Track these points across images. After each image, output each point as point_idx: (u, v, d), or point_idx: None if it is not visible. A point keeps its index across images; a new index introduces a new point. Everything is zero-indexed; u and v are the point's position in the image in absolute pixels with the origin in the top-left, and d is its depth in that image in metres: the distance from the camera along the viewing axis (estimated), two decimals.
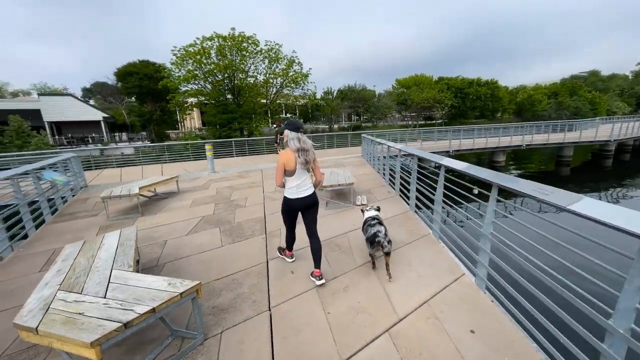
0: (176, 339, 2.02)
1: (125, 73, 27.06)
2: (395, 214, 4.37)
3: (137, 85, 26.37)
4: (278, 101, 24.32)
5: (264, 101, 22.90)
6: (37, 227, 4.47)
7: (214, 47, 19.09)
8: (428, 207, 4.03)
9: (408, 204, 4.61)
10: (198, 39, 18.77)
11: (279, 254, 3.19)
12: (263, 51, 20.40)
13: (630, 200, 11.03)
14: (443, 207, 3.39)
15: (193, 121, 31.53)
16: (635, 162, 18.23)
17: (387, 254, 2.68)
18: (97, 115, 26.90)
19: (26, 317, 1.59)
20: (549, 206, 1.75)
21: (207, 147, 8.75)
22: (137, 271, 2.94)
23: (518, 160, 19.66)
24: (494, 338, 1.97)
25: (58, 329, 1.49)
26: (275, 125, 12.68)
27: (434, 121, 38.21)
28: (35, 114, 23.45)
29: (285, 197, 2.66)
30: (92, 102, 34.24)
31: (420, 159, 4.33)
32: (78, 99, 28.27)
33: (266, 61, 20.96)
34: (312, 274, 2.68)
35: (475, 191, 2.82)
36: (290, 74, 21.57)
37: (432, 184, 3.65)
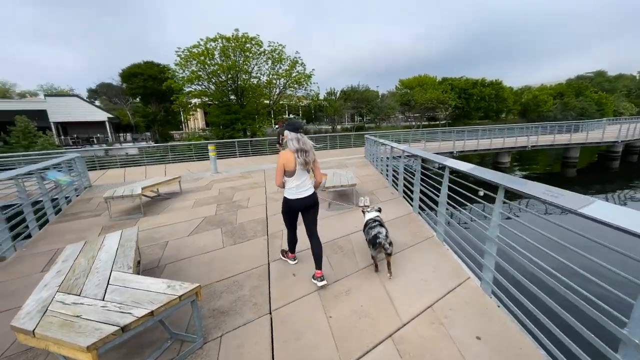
0: (175, 342, 1.99)
1: (130, 74, 27.34)
2: (399, 215, 4.32)
3: (141, 86, 26.62)
4: (281, 102, 24.37)
5: (267, 102, 22.95)
6: (41, 226, 4.48)
7: (218, 48, 19.17)
8: (431, 209, 3.98)
9: (411, 205, 4.55)
10: (202, 40, 18.87)
11: (282, 257, 3.16)
12: (266, 52, 20.46)
13: (639, 203, 10.85)
14: (447, 209, 3.33)
15: (197, 122, 31.71)
16: None
17: (389, 254, 2.67)
18: (102, 115, 27.18)
19: (23, 320, 1.57)
20: (555, 208, 1.70)
21: (210, 147, 8.76)
22: (138, 272, 2.93)
23: (523, 162, 19.45)
24: (501, 345, 1.91)
25: (55, 332, 1.46)
26: (278, 126, 12.70)
27: (438, 122, 38.01)
28: (42, 115, 23.73)
29: (285, 198, 2.66)
30: (97, 102, 34.61)
31: (424, 160, 4.27)
32: (83, 100, 28.58)
33: (269, 62, 21.01)
34: (313, 276, 2.64)
35: (481, 193, 2.76)
36: (294, 74, 21.59)
37: (436, 185, 3.59)
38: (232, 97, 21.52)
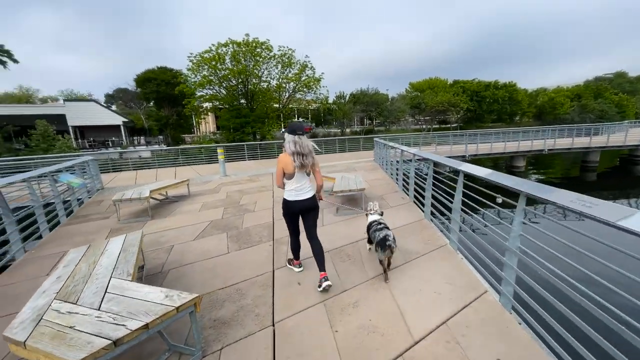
0: (173, 354, 1.90)
1: (144, 79, 28.11)
2: (410, 221, 4.14)
3: (154, 90, 27.31)
4: (290, 105, 24.47)
5: (277, 105, 23.09)
6: (51, 228, 4.54)
7: (229, 53, 19.47)
8: (442, 214, 3.79)
9: (423, 211, 4.36)
10: (213, 45, 19.21)
11: (287, 265, 3.05)
12: (276, 56, 20.64)
13: None
14: (461, 216, 3.15)
15: (208, 125, 32.26)
16: None
17: (392, 253, 2.66)
18: (117, 119, 27.98)
19: (16, 330, 1.52)
20: (573, 214, 1.53)
21: (219, 150, 8.80)
22: (141, 277, 2.88)
23: (538, 166, 18.75)
24: None
25: (45, 345, 1.39)
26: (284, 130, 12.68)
27: (449, 125, 37.34)
28: (61, 119, 24.64)
29: (284, 199, 2.65)
30: (114, 107, 35.69)
31: (435, 164, 4.10)
32: (100, 104, 29.54)
33: (279, 66, 21.18)
34: (319, 286, 2.53)
35: (499, 200, 2.58)
36: (303, 78, 21.68)
37: (448, 190, 3.41)
38: (242, 101, 21.78)
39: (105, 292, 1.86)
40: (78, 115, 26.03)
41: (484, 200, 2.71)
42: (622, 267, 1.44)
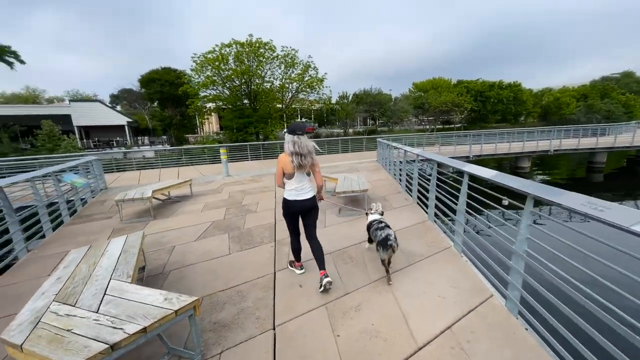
0: (172, 357, 1.87)
1: (149, 79, 28.32)
2: (413, 223, 4.09)
3: (158, 91, 27.50)
4: (293, 106, 24.46)
5: (280, 106, 23.10)
6: (55, 228, 4.55)
7: (232, 53, 19.51)
8: (446, 215, 3.73)
9: (426, 212, 4.31)
10: (217, 45, 19.26)
11: (289, 267, 3.02)
12: (279, 57, 20.64)
13: None
14: (465, 218, 3.09)
15: (211, 125, 32.36)
16: None
17: (393, 252, 2.65)
18: (122, 120, 28.18)
19: (14, 332, 1.50)
20: (579, 215, 1.48)
21: (222, 151, 8.80)
22: (142, 279, 2.87)
23: (544, 166, 18.53)
24: None
25: (42, 349, 1.37)
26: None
27: (453, 125, 37.10)
28: (66, 119, 24.87)
29: (284, 199, 2.66)
30: (118, 107, 35.97)
31: (439, 165, 4.04)
32: (105, 105, 29.77)
33: (282, 66, 21.19)
34: (320, 286, 2.49)
35: (505, 202, 2.52)
36: (306, 78, 21.66)
37: (453, 191, 3.36)
38: (246, 101, 21.82)
39: (105, 294, 1.84)
40: (83, 116, 26.26)
41: (489, 202, 2.66)
42: (627, 268, 1.39)
